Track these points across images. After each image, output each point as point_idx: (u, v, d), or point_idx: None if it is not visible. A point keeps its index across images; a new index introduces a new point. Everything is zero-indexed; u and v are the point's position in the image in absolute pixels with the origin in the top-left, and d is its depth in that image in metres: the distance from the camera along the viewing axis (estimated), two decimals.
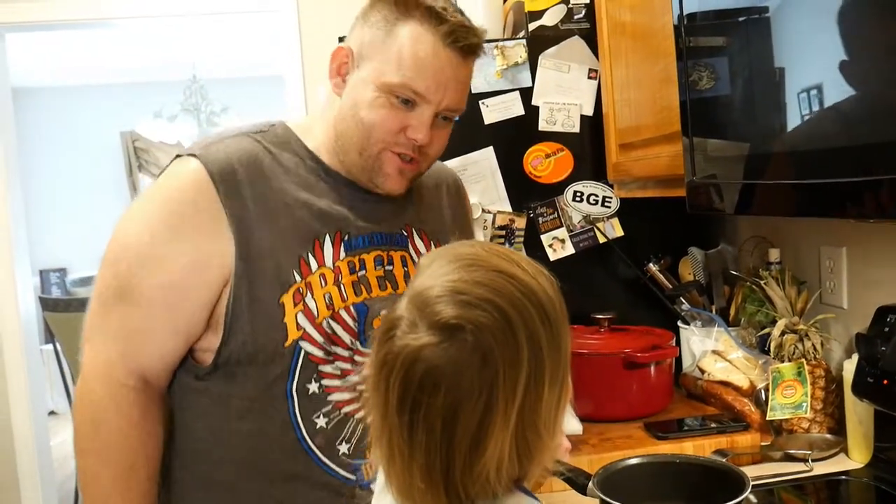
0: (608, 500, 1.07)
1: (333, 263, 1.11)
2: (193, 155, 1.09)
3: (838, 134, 0.94)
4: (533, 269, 0.73)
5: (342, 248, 1.12)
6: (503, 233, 1.82)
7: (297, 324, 1.07)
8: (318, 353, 1.09)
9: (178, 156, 1.12)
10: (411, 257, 1.19)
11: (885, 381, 1.21)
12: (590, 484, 1.12)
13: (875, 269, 1.44)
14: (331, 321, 1.09)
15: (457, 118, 1.17)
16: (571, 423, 1.46)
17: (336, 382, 1.10)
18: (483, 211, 1.81)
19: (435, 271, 0.72)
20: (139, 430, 1.08)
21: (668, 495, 1.11)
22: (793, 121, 1.02)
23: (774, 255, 1.61)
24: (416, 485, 0.69)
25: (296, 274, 1.08)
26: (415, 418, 0.68)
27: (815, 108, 0.97)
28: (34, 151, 6.35)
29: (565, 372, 0.72)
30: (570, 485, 1.16)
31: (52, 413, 5.76)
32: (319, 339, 1.09)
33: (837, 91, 0.94)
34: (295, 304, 1.07)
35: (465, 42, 1.09)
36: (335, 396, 1.10)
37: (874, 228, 1.43)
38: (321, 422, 1.10)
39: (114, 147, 6.61)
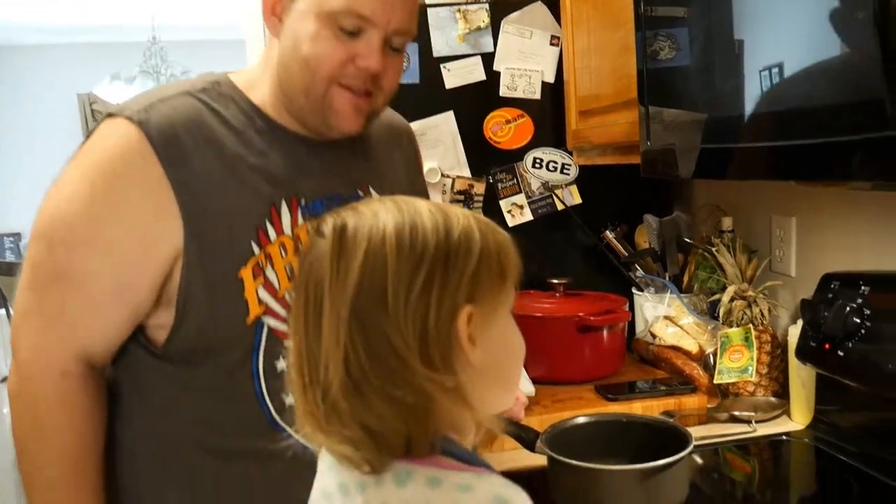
0: (556, 456, 1.09)
1: (292, 231, 1.04)
2: (130, 119, 0.98)
3: (791, 98, 0.96)
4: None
5: (299, 215, 1.05)
6: (462, 198, 1.83)
7: (259, 299, 1.00)
8: (283, 327, 1.02)
9: (110, 115, 1.01)
10: None
11: (827, 346, 1.25)
12: (538, 441, 1.14)
13: (824, 238, 1.48)
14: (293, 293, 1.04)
15: (408, 46, 1.09)
16: (524, 384, 1.48)
17: None
18: (442, 176, 1.81)
19: None
20: (89, 422, 1.00)
21: (615, 453, 1.14)
22: (747, 87, 1.03)
23: (727, 223, 1.64)
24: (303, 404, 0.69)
25: (254, 245, 1.00)
26: (294, 315, 0.69)
27: (771, 73, 0.99)
28: None
29: (454, 298, 0.66)
30: (519, 442, 1.19)
31: (5, 380, 5.68)
32: (283, 312, 1.02)
33: (793, 58, 0.96)
34: (255, 278, 1.00)
35: None
36: None
37: (824, 198, 1.46)
38: (291, 399, 0.99)
39: (71, 109, 6.46)
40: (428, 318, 0.65)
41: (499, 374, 0.72)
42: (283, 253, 1.03)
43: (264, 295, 1.01)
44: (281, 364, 1.02)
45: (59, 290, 0.98)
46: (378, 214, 0.68)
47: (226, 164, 1.01)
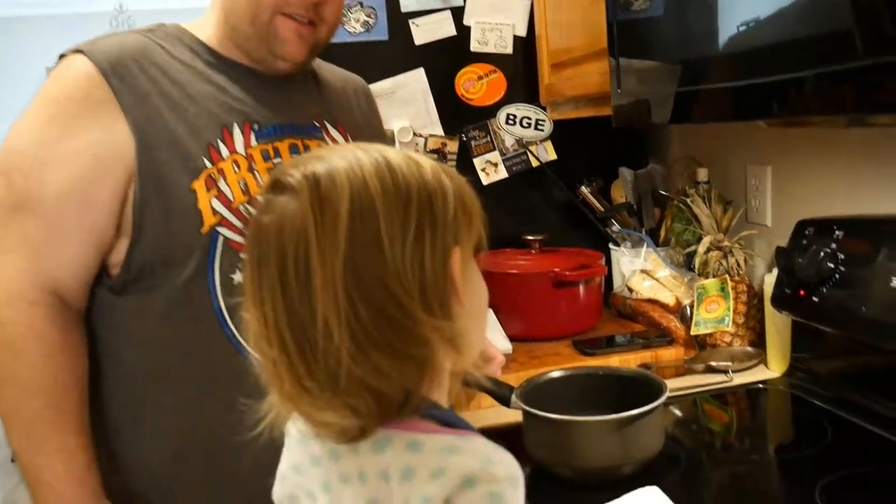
0: (529, 409, 1.09)
1: (245, 151, 1.05)
2: (78, 51, 1.02)
3: (762, 35, 0.94)
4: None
5: (253, 137, 1.07)
6: (435, 157, 1.80)
7: (213, 209, 1.01)
8: (239, 238, 1.02)
9: (62, 56, 1.05)
10: None
11: (802, 292, 1.24)
12: (513, 396, 1.13)
13: (798, 186, 1.47)
14: (249, 206, 1.03)
15: None
16: (501, 342, 1.47)
17: None
18: (414, 135, 1.77)
19: None
20: (63, 351, 1.00)
21: (591, 406, 1.13)
22: (720, 28, 1.01)
23: (702, 174, 1.63)
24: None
25: (206, 160, 1.02)
26: (259, 284, 0.62)
27: (744, 11, 0.96)
28: None
29: (444, 238, 0.63)
30: (494, 397, 1.18)
31: None
32: (238, 223, 1.02)
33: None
34: (208, 190, 1.01)
35: None
36: None
37: (799, 145, 1.45)
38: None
39: (40, 83, 6.33)
40: (425, 263, 0.61)
41: (478, 316, 0.71)
42: (235, 169, 1.04)
43: (218, 206, 1.02)
44: (238, 277, 1.02)
45: (19, 220, 0.99)
46: (347, 158, 0.63)
47: (175, 87, 1.04)
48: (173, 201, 1.00)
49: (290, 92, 1.14)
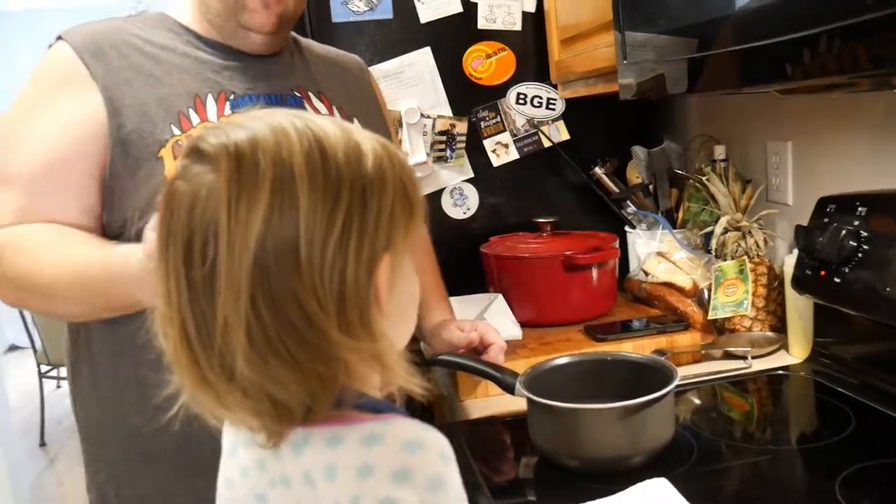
0: (533, 397, 1.04)
1: (217, 119, 1.07)
2: (59, 38, 1.08)
3: None
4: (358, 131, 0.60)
5: (227, 106, 1.08)
6: (444, 138, 1.75)
7: None
8: None
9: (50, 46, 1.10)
10: None
11: (823, 273, 1.18)
12: (517, 384, 1.09)
13: (821, 162, 1.40)
14: None
15: None
16: (510, 328, 1.42)
17: None
18: (422, 116, 1.72)
19: None
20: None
21: (598, 394, 1.08)
22: None
23: (719, 151, 1.56)
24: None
25: (174, 128, 1.05)
26: (165, 256, 0.57)
27: None
28: None
29: (373, 244, 0.56)
30: (498, 384, 1.13)
31: (12, 348, 5.71)
32: None
33: None
34: (175, 157, 1.03)
35: None
36: None
37: (820, 118, 1.38)
38: None
39: None
40: (346, 274, 0.54)
41: (406, 317, 0.65)
42: None
43: None
44: None
45: (1, 190, 1.02)
46: (276, 133, 0.55)
47: (148, 61, 1.07)
48: (140, 168, 1.02)
49: (271, 65, 1.15)
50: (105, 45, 1.06)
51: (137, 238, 1.01)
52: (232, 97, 1.09)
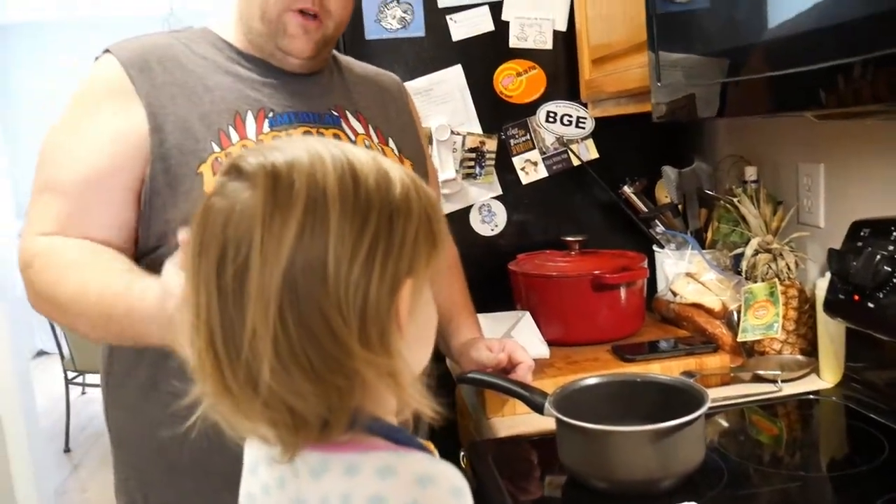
0: (563, 418, 1.04)
1: (256, 137, 1.09)
2: (107, 51, 1.11)
3: (813, 17, 0.87)
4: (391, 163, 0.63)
5: (266, 124, 1.10)
6: (473, 155, 1.76)
7: None
8: None
9: (97, 58, 1.13)
10: (348, 137, 1.16)
11: (857, 297, 1.17)
12: (546, 403, 1.09)
13: (854, 185, 1.39)
14: None
15: None
16: (538, 347, 1.42)
17: None
18: (452, 133, 1.74)
19: None
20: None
21: (627, 415, 1.07)
22: (769, 12, 0.95)
23: (750, 172, 1.55)
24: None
25: (214, 145, 1.07)
26: (197, 268, 0.59)
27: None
28: (14, 90, 6.22)
29: (396, 267, 0.59)
30: (527, 404, 1.13)
31: (40, 353, 5.78)
32: None
33: None
34: (214, 174, 1.05)
35: None
36: None
37: (854, 141, 1.37)
38: None
39: None
40: (369, 293, 0.57)
41: (424, 342, 0.67)
42: None
43: None
44: None
45: (46, 198, 1.06)
46: (312, 157, 0.58)
47: (191, 78, 1.10)
48: (180, 183, 1.05)
49: (311, 83, 1.17)
50: (151, 60, 1.09)
51: (172, 252, 1.04)
52: (271, 115, 1.11)
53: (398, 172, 0.61)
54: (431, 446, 0.66)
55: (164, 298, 0.87)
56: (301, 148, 0.59)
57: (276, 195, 0.56)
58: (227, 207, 0.58)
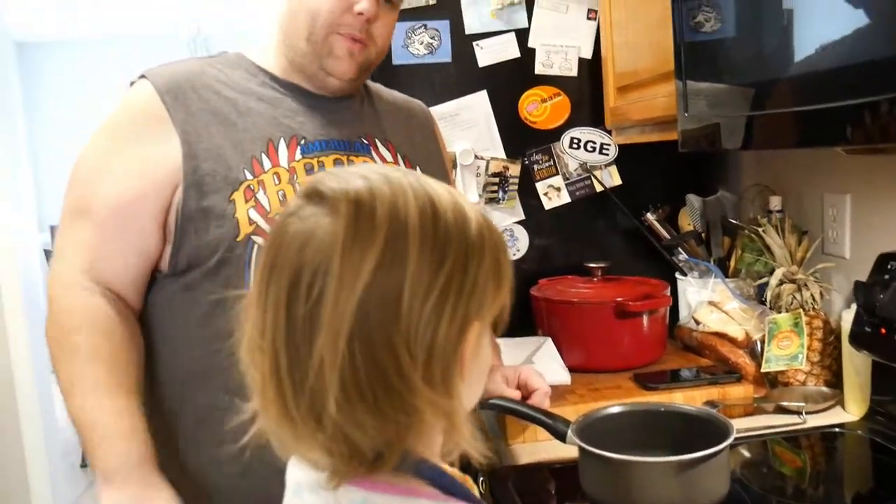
0: (586, 447, 1.03)
1: (288, 164, 1.10)
2: (142, 77, 1.12)
3: (842, 54, 0.87)
4: (461, 196, 0.63)
5: (298, 151, 1.12)
6: (497, 180, 1.77)
7: (249, 219, 1.07)
8: None
9: (132, 82, 1.15)
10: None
11: (883, 331, 1.16)
12: (569, 432, 1.08)
13: (880, 216, 1.38)
14: None
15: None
16: (559, 373, 1.42)
17: None
18: (476, 157, 1.75)
19: None
20: (120, 333, 1.06)
21: (651, 445, 1.07)
22: (796, 47, 0.95)
23: (775, 202, 1.55)
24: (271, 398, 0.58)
25: (247, 172, 1.08)
26: (266, 289, 0.58)
27: (821, 29, 0.90)
28: (42, 106, 6.31)
29: (467, 307, 0.58)
30: (550, 431, 1.13)
31: None
32: None
33: (844, 12, 0.87)
34: (246, 201, 1.07)
35: None
36: None
37: (880, 172, 1.36)
38: None
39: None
40: (438, 332, 0.56)
41: (477, 384, 0.66)
42: (276, 181, 1.09)
43: (255, 215, 1.07)
44: None
45: (79, 224, 1.08)
46: (393, 187, 0.57)
47: (226, 105, 1.11)
48: (213, 210, 1.06)
49: (343, 110, 1.18)
50: (186, 86, 1.10)
51: (204, 276, 1.07)
52: (303, 142, 1.12)
53: (472, 209, 0.61)
54: (469, 481, 0.66)
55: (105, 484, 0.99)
56: (381, 176, 0.59)
57: (357, 224, 0.56)
58: (304, 231, 0.57)
